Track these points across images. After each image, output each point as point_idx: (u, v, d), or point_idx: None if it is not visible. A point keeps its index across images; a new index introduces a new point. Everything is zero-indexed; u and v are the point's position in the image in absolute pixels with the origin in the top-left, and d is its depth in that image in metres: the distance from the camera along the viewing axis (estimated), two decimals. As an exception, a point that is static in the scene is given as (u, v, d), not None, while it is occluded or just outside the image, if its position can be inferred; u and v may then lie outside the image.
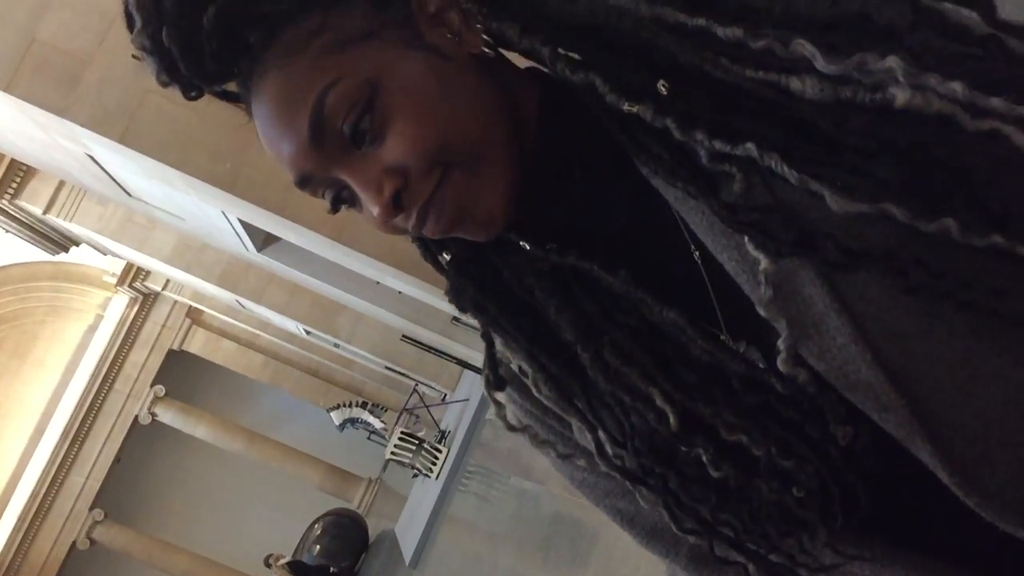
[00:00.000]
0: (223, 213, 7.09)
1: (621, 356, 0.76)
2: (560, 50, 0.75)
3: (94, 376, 17.17)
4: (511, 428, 0.88)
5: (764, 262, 0.68)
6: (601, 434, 0.79)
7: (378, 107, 0.73)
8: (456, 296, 0.85)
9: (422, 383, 14.49)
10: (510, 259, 0.83)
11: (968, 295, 0.64)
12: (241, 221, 7.30)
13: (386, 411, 15.47)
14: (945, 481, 0.68)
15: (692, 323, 0.75)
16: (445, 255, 0.84)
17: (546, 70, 0.78)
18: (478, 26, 0.78)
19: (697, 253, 0.75)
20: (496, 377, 0.85)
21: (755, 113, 0.69)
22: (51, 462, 17.08)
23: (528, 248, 0.82)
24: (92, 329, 17.67)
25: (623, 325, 0.77)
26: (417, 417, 14.33)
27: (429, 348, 11.18)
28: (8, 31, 5.16)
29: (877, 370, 0.67)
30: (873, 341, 0.67)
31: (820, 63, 0.66)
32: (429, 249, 0.85)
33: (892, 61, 0.64)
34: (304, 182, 0.78)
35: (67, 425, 17.07)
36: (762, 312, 0.70)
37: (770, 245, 0.68)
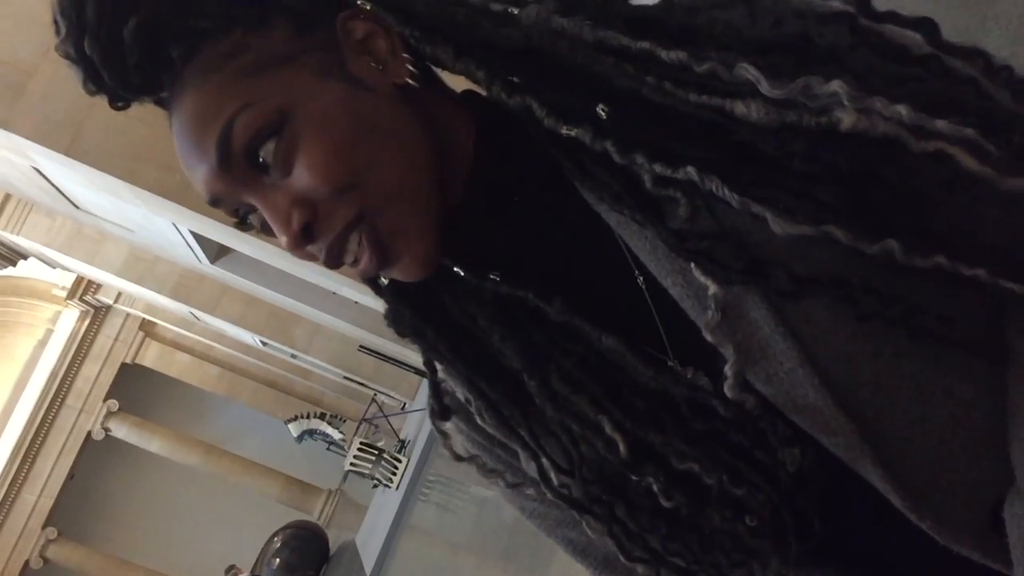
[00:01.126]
0: (174, 225, 6.98)
1: (569, 384, 0.75)
2: (496, 74, 0.73)
3: (45, 392, 16.82)
4: (458, 459, 0.86)
5: (713, 287, 0.67)
6: (545, 462, 0.77)
7: (287, 135, 0.71)
8: (395, 321, 0.83)
9: (381, 392, 14.41)
10: (450, 286, 0.80)
11: (917, 322, 0.64)
12: (193, 233, 7.19)
13: (345, 422, 15.35)
14: (897, 504, 0.67)
15: (633, 349, 0.73)
16: (383, 279, 0.82)
17: (483, 92, 0.77)
18: (405, 55, 0.76)
19: (641, 278, 0.73)
20: (441, 406, 0.83)
21: (696, 136, 0.68)
22: (2, 480, 16.70)
23: (464, 275, 0.80)
24: (42, 344, 17.32)
25: (570, 353, 0.75)
26: (376, 427, 14.24)
27: (387, 358, 11.13)
28: (-53, 42, 5.04)
29: (824, 393, 0.66)
30: (819, 364, 0.66)
31: (764, 87, 0.65)
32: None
33: (836, 85, 0.63)
34: (215, 203, 0.76)
35: (18, 442, 16.70)
36: (709, 337, 0.68)
37: (719, 273, 0.67)
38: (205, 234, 6.82)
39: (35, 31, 5.09)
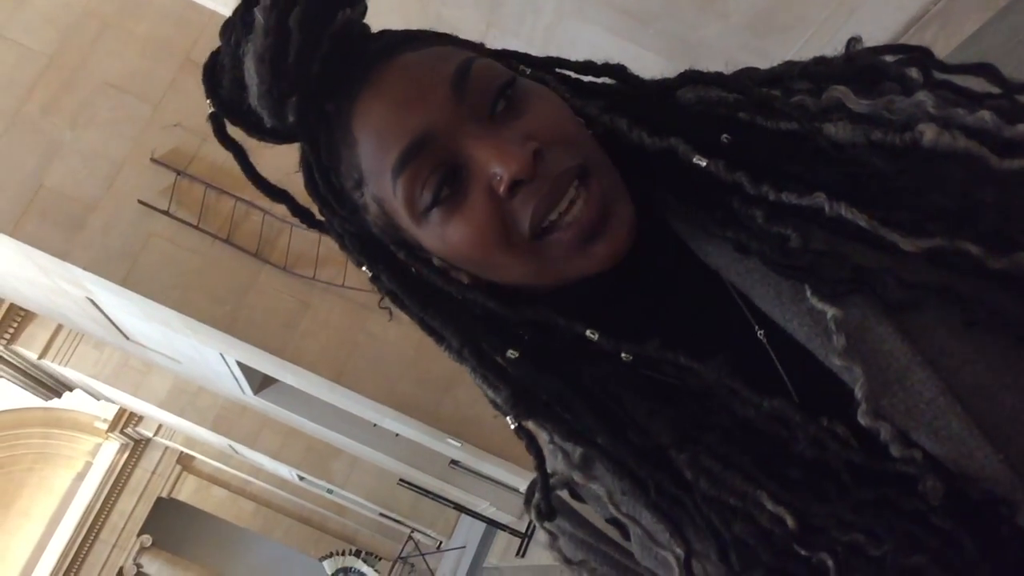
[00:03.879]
0: (221, 355, 7.06)
1: (719, 459, 0.69)
2: (636, 121, 0.77)
3: (79, 526, 16.66)
4: (567, 562, 0.81)
5: (831, 310, 0.67)
6: (718, 540, 0.70)
7: (516, 91, 0.74)
8: (525, 395, 0.75)
9: (417, 530, 14.11)
10: (587, 361, 0.76)
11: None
12: (239, 363, 7.26)
13: (380, 560, 14.99)
14: None
15: (799, 409, 0.68)
16: (512, 352, 0.75)
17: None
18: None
19: (761, 332, 0.73)
20: (548, 505, 0.78)
21: (810, 162, 0.71)
22: (30, 618, 16.39)
23: (598, 338, 0.74)
24: (80, 477, 17.29)
25: (714, 427, 0.71)
26: (412, 566, 13.89)
27: (426, 492, 10.93)
28: (16, 178, 5.27)
29: (970, 423, 0.63)
30: (959, 392, 0.64)
31: (852, 102, 0.70)
32: (484, 352, 0.76)
33: (922, 95, 0.68)
34: (420, 145, 0.72)
35: (50, 577, 16.48)
36: (836, 362, 0.67)
37: (825, 287, 0.68)
38: (251, 364, 6.88)
39: (100, 167, 5.32)
